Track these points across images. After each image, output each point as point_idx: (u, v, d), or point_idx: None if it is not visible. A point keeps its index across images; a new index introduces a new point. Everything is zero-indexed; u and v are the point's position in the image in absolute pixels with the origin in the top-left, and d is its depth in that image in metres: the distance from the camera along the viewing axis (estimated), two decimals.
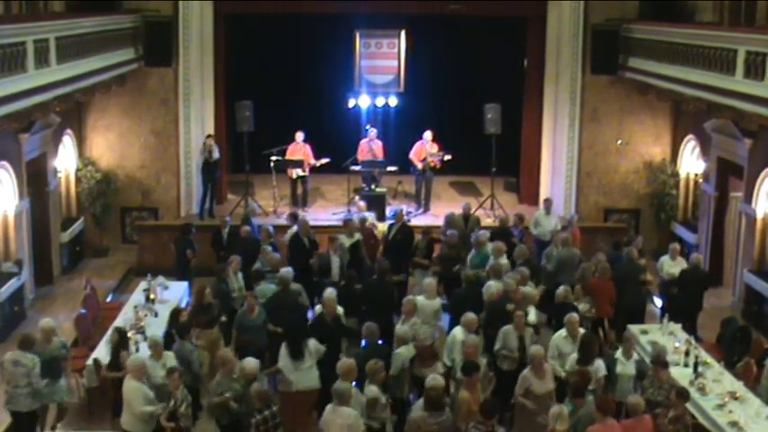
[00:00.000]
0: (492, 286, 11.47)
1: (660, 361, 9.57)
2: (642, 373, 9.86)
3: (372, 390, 8.98)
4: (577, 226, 15.13)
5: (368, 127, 18.34)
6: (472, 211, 15.51)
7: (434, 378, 8.76)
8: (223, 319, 11.42)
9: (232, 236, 14.19)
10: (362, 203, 15.74)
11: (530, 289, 11.80)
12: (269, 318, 11.03)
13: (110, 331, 11.28)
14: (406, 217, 16.50)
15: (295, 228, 14.14)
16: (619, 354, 10.11)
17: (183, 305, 12.60)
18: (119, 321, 11.72)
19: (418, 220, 16.53)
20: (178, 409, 8.88)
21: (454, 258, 13.56)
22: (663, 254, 13.85)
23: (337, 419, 8.38)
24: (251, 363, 9.22)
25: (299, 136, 17.46)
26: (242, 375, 9.12)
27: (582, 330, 10.39)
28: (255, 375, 9.13)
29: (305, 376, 9.84)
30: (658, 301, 14.11)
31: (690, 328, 12.06)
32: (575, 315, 10.43)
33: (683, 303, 12.66)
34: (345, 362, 9.07)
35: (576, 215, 15.76)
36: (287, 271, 11.76)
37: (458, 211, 15.12)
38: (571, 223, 15.05)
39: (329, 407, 8.53)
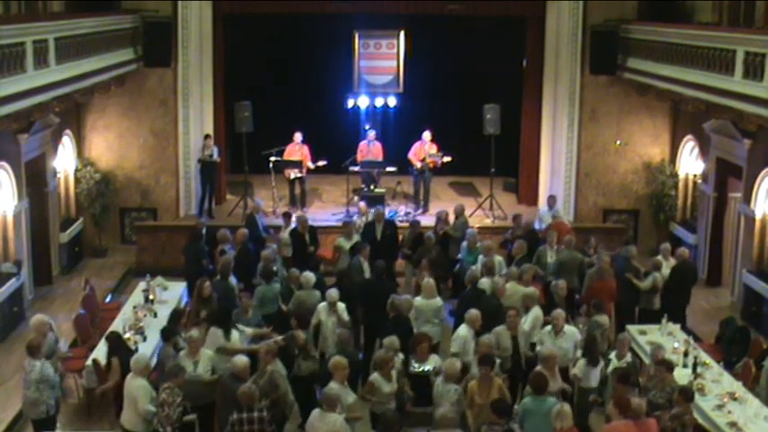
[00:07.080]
0: (483, 283, 11.67)
1: (666, 363, 9.52)
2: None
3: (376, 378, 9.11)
4: (562, 219, 15.10)
5: (367, 128, 18.35)
6: (470, 213, 15.43)
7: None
8: None
9: (208, 237, 14.31)
10: (362, 204, 15.64)
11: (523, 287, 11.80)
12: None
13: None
14: (404, 217, 16.51)
15: (293, 225, 14.27)
16: (612, 355, 10.14)
17: (182, 305, 12.70)
18: (118, 322, 11.72)
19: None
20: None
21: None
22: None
23: (323, 426, 8.30)
24: (242, 360, 9.13)
25: (298, 137, 17.43)
26: (235, 373, 9.01)
27: (569, 327, 10.50)
28: (247, 373, 9.05)
29: None
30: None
31: (680, 323, 12.09)
32: (559, 310, 10.59)
33: (673, 298, 12.63)
34: (336, 358, 9.10)
35: (559, 209, 15.67)
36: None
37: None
38: (555, 217, 14.96)
39: (316, 412, 8.45)
